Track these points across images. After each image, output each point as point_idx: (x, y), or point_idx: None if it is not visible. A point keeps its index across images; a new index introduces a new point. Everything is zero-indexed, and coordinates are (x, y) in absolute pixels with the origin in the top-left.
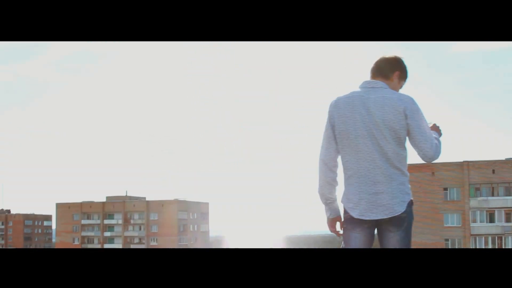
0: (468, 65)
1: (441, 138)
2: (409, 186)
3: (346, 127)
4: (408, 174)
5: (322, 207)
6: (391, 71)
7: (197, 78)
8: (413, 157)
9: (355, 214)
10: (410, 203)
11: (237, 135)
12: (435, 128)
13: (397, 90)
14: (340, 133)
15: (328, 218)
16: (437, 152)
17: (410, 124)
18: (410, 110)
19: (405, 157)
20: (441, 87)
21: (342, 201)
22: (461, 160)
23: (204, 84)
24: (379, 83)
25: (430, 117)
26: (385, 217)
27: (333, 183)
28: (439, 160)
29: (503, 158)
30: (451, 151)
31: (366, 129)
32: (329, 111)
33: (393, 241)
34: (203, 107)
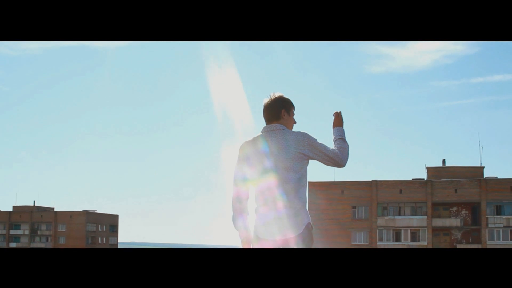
0: (379, 86)
1: (344, 127)
2: (307, 211)
3: (253, 167)
4: (306, 199)
5: (235, 232)
6: (277, 112)
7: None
8: (324, 175)
9: (260, 235)
10: (308, 225)
11: (150, 146)
12: (339, 119)
13: (291, 123)
14: (250, 172)
15: (241, 242)
16: (344, 155)
17: (313, 155)
18: (308, 145)
19: (304, 187)
20: (352, 108)
21: (254, 226)
22: (369, 179)
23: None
24: (277, 125)
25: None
26: (284, 237)
27: (243, 214)
28: (349, 179)
29: (410, 179)
30: (360, 170)
31: (270, 168)
32: (239, 153)
33: None
34: (112, 114)
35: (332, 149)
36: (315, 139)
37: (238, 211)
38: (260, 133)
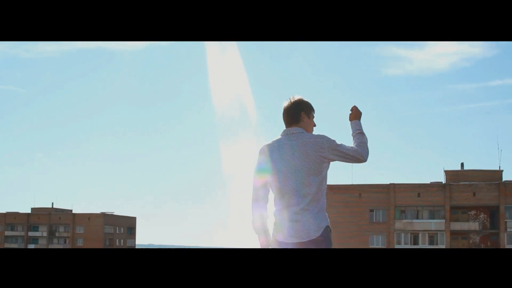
0: (396, 89)
1: (361, 121)
2: (325, 214)
3: (274, 170)
4: (325, 202)
5: (255, 236)
6: (297, 115)
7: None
8: (341, 179)
9: (279, 238)
10: (327, 229)
11: (168, 147)
12: (356, 112)
13: (311, 126)
14: (270, 176)
15: (261, 245)
16: (364, 150)
17: (334, 156)
18: (328, 147)
19: (323, 190)
20: (369, 110)
21: (272, 229)
22: (387, 182)
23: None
24: (296, 129)
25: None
26: (303, 240)
27: (262, 217)
28: (367, 182)
29: (428, 182)
30: (378, 174)
31: (290, 173)
32: (259, 156)
33: None
34: (132, 118)
35: (351, 147)
36: (334, 140)
37: (257, 214)
38: (279, 137)
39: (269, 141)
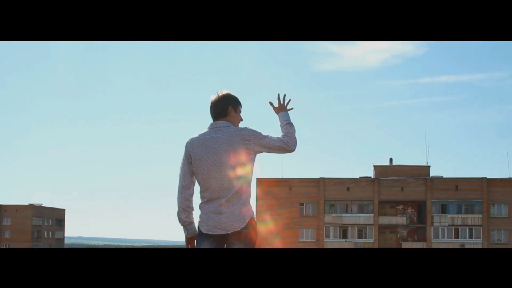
0: (328, 84)
1: (290, 113)
2: (250, 206)
3: (200, 165)
4: (250, 195)
5: (180, 227)
6: (224, 109)
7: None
8: (272, 172)
9: (203, 230)
10: (252, 220)
11: (99, 139)
12: (282, 104)
13: (238, 120)
14: (196, 169)
15: (186, 237)
16: (292, 140)
17: (260, 148)
18: (254, 138)
19: (249, 182)
20: (300, 105)
21: (198, 221)
22: (317, 176)
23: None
24: (223, 122)
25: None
26: (226, 232)
27: (188, 209)
28: (297, 176)
29: (358, 176)
30: (308, 168)
31: (215, 166)
32: (186, 150)
33: None
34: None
35: (277, 138)
36: (260, 132)
37: (183, 206)
38: (206, 130)
39: (195, 134)
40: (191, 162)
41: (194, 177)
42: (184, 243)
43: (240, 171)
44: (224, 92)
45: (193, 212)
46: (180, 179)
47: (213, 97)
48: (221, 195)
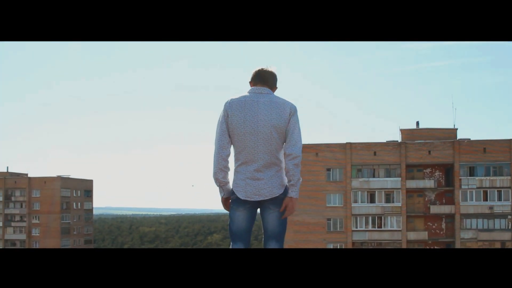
0: (353, 49)
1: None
2: (284, 172)
3: (237, 125)
4: (283, 160)
5: (216, 189)
6: (274, 84)
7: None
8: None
9: (241, 196)
10: (287, 187)
11: (123, 114)
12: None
13: None
14: (232, 129)
15: (222, 198)
16: (297, 167)
17: (288, 129)
18: (294, 115)
19: (282, 148)
20: (325, 71)
21: (232, 185)
22: (344, 141)
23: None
24: (265, 89)
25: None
26: (265, 198)
27: (225, 169)
28: (323, 141)
29: (384, 141)
30: (335, 133)
31: (253, 127)
32: (224, 109)
33: (273, 217)
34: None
35: (300, 140)
36: (299, 121)
37: (220, 166)
38: (247, 93)
39: (235, 96)
40: (228, 123)
41: (230, 138)
42: (221, 205)
43: (277, 137)
44: (275, 69)
45: (229, 173)
46: (216, 139)
47: (267, 67)
48: (256, 158)
